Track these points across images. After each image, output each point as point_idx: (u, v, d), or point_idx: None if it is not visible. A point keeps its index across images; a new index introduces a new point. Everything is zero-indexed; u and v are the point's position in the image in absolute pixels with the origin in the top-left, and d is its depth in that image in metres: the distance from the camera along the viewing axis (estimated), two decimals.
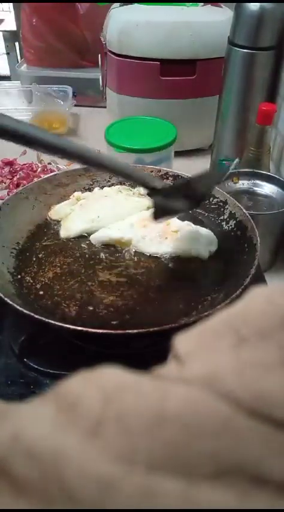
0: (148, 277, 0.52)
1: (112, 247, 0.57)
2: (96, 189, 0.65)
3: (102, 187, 0.65)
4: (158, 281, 0.52)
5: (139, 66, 0.82)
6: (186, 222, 0.58)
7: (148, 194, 0.49)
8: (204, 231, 0.57)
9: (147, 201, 0.63)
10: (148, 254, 0.55)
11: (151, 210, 0.50)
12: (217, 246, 0.56)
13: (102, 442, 0.15)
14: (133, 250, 0.56)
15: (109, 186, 0.66)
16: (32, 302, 0.49)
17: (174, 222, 0.57)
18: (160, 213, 0.50)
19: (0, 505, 0.14)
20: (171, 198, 0.49)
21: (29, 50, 1.13)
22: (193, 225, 0.58)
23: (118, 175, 0.50)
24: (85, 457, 0.14)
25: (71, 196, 0.63)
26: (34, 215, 0.60)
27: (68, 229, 0.59)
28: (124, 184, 0.67)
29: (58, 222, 0.61)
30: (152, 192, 0.48)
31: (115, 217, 0.60)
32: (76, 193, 0.63)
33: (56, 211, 0.62)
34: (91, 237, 0.57)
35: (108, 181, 0.66)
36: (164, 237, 0.55)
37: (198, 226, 0.58)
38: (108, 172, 0.49)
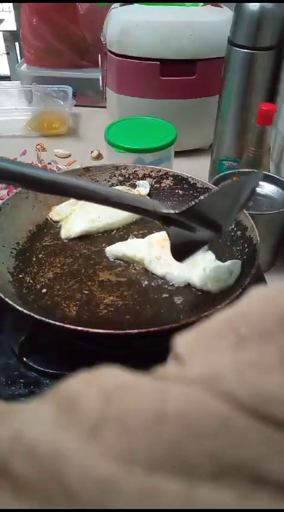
0: (149, 277, 0.52)
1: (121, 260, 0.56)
2: None
3: None
4: (158, 281, 0.52)
5: (139, 66, 0.82)
6: (210, 252, 0.54)
7: (163, 227, 0.41)
8: (227, 267, 0.52)
9: None
10: (159, 276, 0.52)
11: (170, 248, 0.43)
12: (234, 281, 0.50)
13: (102, 442, 0.15)
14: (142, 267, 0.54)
15: (109, 186, 0.66)
16: (32, 302, 0.49)
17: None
18: (181, 250, 0.42)
19: (1, 505, 0.14)
20: (190, 227, 0.40)
21: (29, 50, 1.13)
22: (214, 257, 0.54)
23: (125, 210, 0.42)
24: (86, 457, 0.14)
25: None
26: (34, 215, 0.60)
27: (69, 230, 0.59)
28: (124, 184, 0.67)
29: (58, 222, 0.61)
30: (166, 222, 0.40)
31: (115, 217, 0.60)
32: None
33: (56, 212, 0.62)
34: (107, 250, 0.56)
35: (108, 181, 0.66)
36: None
37: (227, 262, 0.53)
38: (113, 207, 0.41)
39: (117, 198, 0.41)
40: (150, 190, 0.66)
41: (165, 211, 0.40)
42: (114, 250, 0.56)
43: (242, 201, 0.46)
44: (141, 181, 0.66)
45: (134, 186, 0.66)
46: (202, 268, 0.51)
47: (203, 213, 0.41)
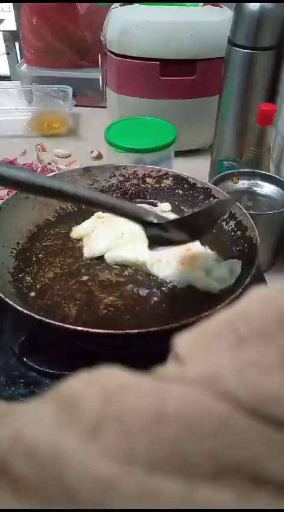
0: (149, 277, 0.52)
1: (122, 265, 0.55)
2: None
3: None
4: (158, 281, 0.52)
5: (139, 66, 0.82)
6: (211, 252, 0.54)
7: (143, 227, 0.45)
8: (227, 266, 0.52)
9: (172, 216, 0.61)
10: (160, 278, 0.52)
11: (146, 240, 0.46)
12: (234, 281, 0.50)
13: (102, 442, 0.15)
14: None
15: (109, 186, 0.66)
16: (32, 302, 0.49)
17: (196, 249, 0.54)
18: (155, 243, 0.46)
19: (1, 505, 0.14)
20: (168, 232, 0.45)
21: (29, 50, 1.13)
22: (217, 257, 0.54)
23: (110, 212, 0.45)
24: (86, 457, 0.14)
25: (91, 216, 0.61)
26: (34, 215, 0.60)
27: (92, 248, 0.56)
28: (125, 185, 0.66)
29: (58, 222, 0.61)
30: (147, 225, 0.45)
31: (139, 233, 0.58)
32: (96, 213, 0.60)
33: (77, 231, 0.59)
34: (106, 256, 0.55)
35: (108, 181, 0.66)
36: (181, 263, 0.52)
37: (228, 261, 0.53)
38: (99, 209, 0.46)
39: (110, 204, 0.44)
40: (160, 193, 0.65)
41: (148, 219, 0.44)
42: (114, 255, 0.54)
43: (217, 219, 0.54)
44: (163, 204, 0.65)
45: (143, 189, 0.66)
46: (203, 269, 0.51)
47: (184, 225, 0.46)
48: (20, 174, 0.38)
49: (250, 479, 0.14)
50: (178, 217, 0.46)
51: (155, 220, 0.44)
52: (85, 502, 0.13)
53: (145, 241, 0.53)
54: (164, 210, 0.64)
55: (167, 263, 0.52)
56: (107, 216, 0.59)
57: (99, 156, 0.93)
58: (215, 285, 0.50)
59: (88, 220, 0.61)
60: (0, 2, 2.11)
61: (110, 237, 0.56)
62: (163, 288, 0.51)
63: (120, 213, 0.44)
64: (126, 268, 0.54)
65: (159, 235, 0.45)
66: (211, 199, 0.61)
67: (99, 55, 0.91)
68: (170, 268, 0.52)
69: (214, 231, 0.59)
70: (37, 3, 1.05)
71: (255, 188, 0.66)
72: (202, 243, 0.56)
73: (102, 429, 0.15)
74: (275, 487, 0.14)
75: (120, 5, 0.87)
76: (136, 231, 0.51)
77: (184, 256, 0.53)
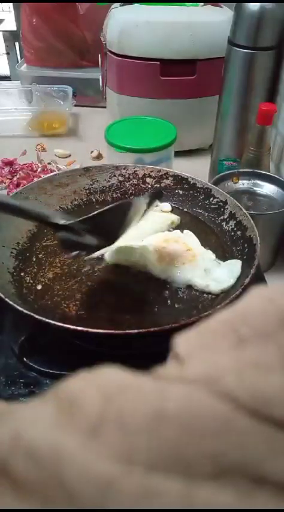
0: (149, 277, 0.52)
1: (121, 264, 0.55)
2: None
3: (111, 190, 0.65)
4: (158, 281, 0.52)
5: (139, 66, 0.82)
6: (211, 253, 0.54)
7: (54, 230, 0.45)
8: (227, 267, 0.52)
9: (173, 216, 0.62)
10: (160, 278, 0.52)
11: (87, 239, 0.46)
12: (235, 281, 0.50)
13: (102, 442, 0.15)
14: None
15: (109, 186, 0.66)
16: (32, 302, 0.49)
17: (196, 250, 0.54)
18: (66, 247, 0.46)
19: (1, 505, 0.14)
20: (77, 234, 0.44)
21: (29, 50, 1.13)
22: (214, 257, 0.54)
23: (17, 216, 0.46)
24: (85, 457, 0.14)
25: None
26: None
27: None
28: (124, 185, 0.67)
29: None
30: (55, 227, 0.44)
31: (140, 233, 0.57)
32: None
33: None
34: (106, 256, 0.55)
35: (108, 181, 0.66)
36: (181, 263, 0.52)
37: (227, 263, 0.53)
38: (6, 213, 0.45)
39: (16, 207, 0.44)
40: (172, 208, 0.65)
41: (53, 221, 0.44)
42: (114, 254, 0.55)
43: (130, 220, 0.49)
44: (164, 204, 0.64)
45: (144, 189, 0.66)
46: (202, 269, 0.51)
47: (92, 225, 0.45)
48: None
49: (251, 479, 0.14)
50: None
51: (61, 222, 0.44)
52: (85, 502, 0.13)
53: (142, 242, 0.53)
54: (164, 210, 0.64)
55: (167, 263, 0.52)
56: None
57: (99, 156, 0.93)
58: (215, 285, 0.50)
59: None
60: (0, 2, 2.11)
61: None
62: (164, 288, 0.51)
63: (26, 216, 0.45)
64: (126, 268, 0.54)
65: (69, 238, 0.44)
66: (211, 199, 0.61)
67: (99, 55, 0.91)
68: (170, 269, 0.52)
69: (215, 231, 0.59)
70: (37, 3, 1.05)
71: (255, 188, 0.66)
72: (203, 244, 0.56)
73: (102, 429, 0.15)
74: (275, 487, 0.14)
75: (120, 5, 0.87)
76: (136, 230, 0.53)
77: (185, 256, 0.53)
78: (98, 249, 0.48)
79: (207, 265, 0.52)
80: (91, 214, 0.45)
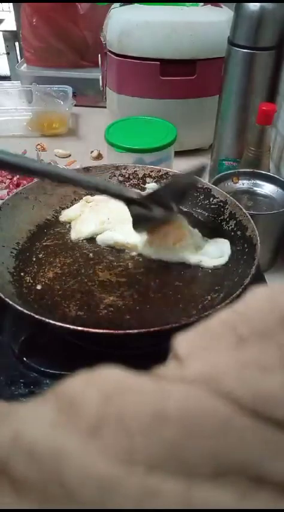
0: (149, 277, 0.52)
1: (113, 247, 0.57)
2: None
3: None
4: (158, 281, 0.52)
5: (139, 66, 0.82)
6: (198, 232, 0.57)
7: (127, 205, 0.50)
8: (216, 244, 0.56)
9: None
10: (153, 259, 0.54)
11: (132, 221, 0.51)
12: (227, 259, 0.54)
13: (102, 442, 0.15)
14: (136, 253, 0.56)
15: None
16: (32, 302, 0.49)
17: (184, 228, 0.56)
18: (140, 222, 0.51)
19: (0, 505, 0.14)
20: (149, 207, 0.50)
21: (29, 50, 1.13)
22: (200, 235, 0.57)
23: (93, 190, 0.52)
24: (85, 457, 0.14)
25: (80, 200, 0.63)
26: (34, 215, 0.60)
27: (79, 232, 0.59)
28: (133, 187, 0.67)
29: (58, 222, 0.62)
30: (129, 203, 0.50)
31: (125, 219, 0.59)
32: (85, 197, 0.63)
33: (66, 214, 0.62)
34: (98, 238, 0.58)
35: (108, 181, 0.66)
36: (171, 242, 0.54)
37: (215, 240, 0.56)
38: (84, 189, 0.54)
39: (93, 183, 0.49)
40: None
41: (128, 195, 0.50)
42: (104, 238, 0.57)
43: (187, 191, 0.60)
44: (151, 185, 0.66)
45: (143, 189, 0.66)
46: (193, 246, 0.54)
47: (159, 197, 0.51)
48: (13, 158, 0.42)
49: (251, 479, 0.14)
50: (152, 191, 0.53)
51: (135, 196, 0.50)
52: (85, 501, 0.13)
53: (131, 224, 0.55)
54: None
55: (158, 246, 0.54)
56: (95, 201, 0.62)
57: (99, 156, 0.93)
58: (207, 260, 0.53)
59: (77, 204, 0.63)
60: (0, 2, 2.11)
61: (96, 221, 0.59)
62: (164, 288, 0.51)
63: (103, 191, 0.49)
64: (126, 268, 0.54)
65: (141, 213, 0.50)
66: (211, 199, 0.61)
67: (99, 55, 0.91)
68: (162, 250, 0.54)
69: (215, 231, 0.59)
70: (37, 3, 1.05)
71: (255, 188, 0.66)
72: (190, 224, 0.58)
73: (102, 429, 0.15)
74: (275, 487, 0.14)
75: (120, 5, 0.87)
76: (121, 215, 0.56)
77: (174, 236, 0.55)
78: (164, 220, 0.54)
79: (196, 243, 0.54)
80: (157, 189, 0.55)
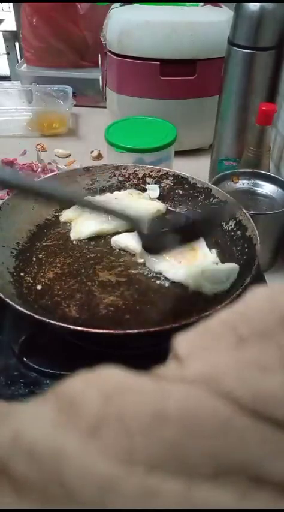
0: (149, 277, 0.52)
1: (123, 250, 0.56)
2: (108, 194, 0.65)
3: (112, 192, 0.65)
4: (158, 281, 0.52)
5: (139, 66, 0.82)
6: (212, 255, 0.55)
7: (139, 236, 0.48)
8: (224, 270, 0.52)
9: (158, 204, 0.63)
10: (154, 271, 0.53)
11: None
12: (229, 286, 0.50)
13: (102, 442, 0.15)
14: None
15: (109, 186, 0.66)
16: (32, 302, 0.49)
17: (199, 250, 0.55)
18: (150, 251, 0.50)
19: (1, 505, 0.14)
20: (159, 239, 0.48)
21: (29, 50, 1.13)
22: (215, 260, 0.54)
23: (107, 214, 0.49)
24: (86, 457, 0.14)
25: None
26: (34, 215, 0.60)
27: (78, 232, 0.59)
28: (125, 185, 0.67)
29: (58, 222, 0.62)
30: (141, 235, 0.48)
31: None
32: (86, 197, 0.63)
33: (66, 214, 0.62)
34: (113, 239, 0.57)
35: (108, 181, 0.66)
36: (179, 261, 0.53)
37: (225, 265, 0.53)
38: (98, 212, 0.50)
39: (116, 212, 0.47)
40: (160, 194, 0.65)
41: (141, 227, 0.47)
42: (119, 240, 0.57)
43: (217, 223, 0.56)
44: (152, 186, 0.66)
45: (144, 190, 0.66)
46: (200, 269, 0.51)
47: (179, 231, 0.48)
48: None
49: (250, 479, 0.14)
50: (171, 220, 0.51)
51: (145, 231, 0.47)
52: (86, 501, 0.13)
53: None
54: (153, 198, 0.64)
55: (164, 259, 0.53)
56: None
57: (99, 156, 0.93)
58: (208, 286, 0.50)
59: None
60: (0, 2, 2.11)
61: (97, 221, 0.59)
62: (164, 289, 0.51)
63: (117, 215, 0.47)
64: (126, 268, 0.54)
65: (152, 246, 0.48)
66: (211, 199, 0.61)
67: (99, 55, 0.91)
68: (167, 264, 0.53)
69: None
70: (37, 3, 1.05)
71: (255, 188, 0.66)
72: (208, 245, 0.56)
73: (102, 429, 0.15)
74: (275, 487, 0.14)
75: (120, 5, 0.87)
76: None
77: (185, 256, 0.53)
78: (177, 247, 0.51)
79: (204, 267, 0.52)
80: (184, 223, 0.51)
